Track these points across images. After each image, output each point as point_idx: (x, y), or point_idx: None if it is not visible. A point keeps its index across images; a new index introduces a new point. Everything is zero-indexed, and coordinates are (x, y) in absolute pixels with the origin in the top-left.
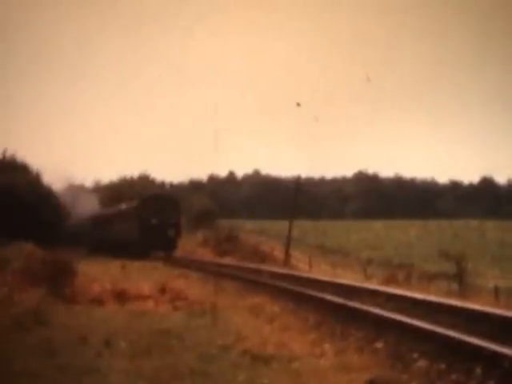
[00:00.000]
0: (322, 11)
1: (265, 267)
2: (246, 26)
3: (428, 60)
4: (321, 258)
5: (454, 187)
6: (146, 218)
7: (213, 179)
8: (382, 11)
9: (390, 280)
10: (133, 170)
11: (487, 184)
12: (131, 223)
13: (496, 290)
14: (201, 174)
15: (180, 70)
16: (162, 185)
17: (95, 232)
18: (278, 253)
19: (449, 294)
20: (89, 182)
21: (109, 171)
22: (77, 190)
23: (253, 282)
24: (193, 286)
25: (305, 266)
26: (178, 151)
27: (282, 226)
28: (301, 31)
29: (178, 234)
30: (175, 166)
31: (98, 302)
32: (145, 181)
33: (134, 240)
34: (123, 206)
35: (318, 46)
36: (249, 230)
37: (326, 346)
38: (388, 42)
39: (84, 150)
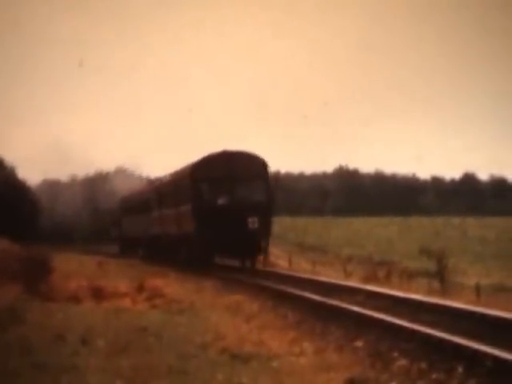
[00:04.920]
0: (318, 11)
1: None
2: (242, 24)
3: (411, 54)
4: (301, 256)
5: (436, 184)
6: (206, 195)
7: None
8: (383, 11)
9: (371, 277)
10: (109, 165)
11: (469, 180)
12: (181, 207)
13: (477, 288)
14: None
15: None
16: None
17: (122, 226)
18: None
19: (430, 291)
20: (64, 177)
21: (85, 165)
22: (53, 184)
23: (232, 280)
24: (171, 284)
25: (285, 263)
26: (162, 148)
27: None
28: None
29: (267, 225)
30: (155, 162)
31: (75, 299)
32: (121, 175)
33: (187, 237)
34: (167, 178)
35: (305, 46)
36: None
37: (306, 345)
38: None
39: (60, 144)
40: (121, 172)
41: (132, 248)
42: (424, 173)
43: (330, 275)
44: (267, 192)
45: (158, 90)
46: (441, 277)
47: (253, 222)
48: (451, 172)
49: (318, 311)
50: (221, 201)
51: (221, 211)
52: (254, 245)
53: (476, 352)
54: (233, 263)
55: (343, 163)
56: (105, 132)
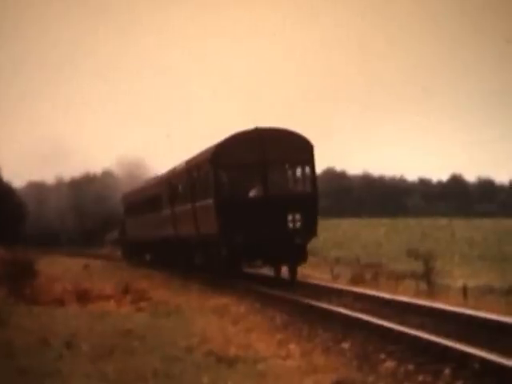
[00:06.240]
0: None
1: None
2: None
3: (401, 58)
4: None
5: (423, 185)
6: (233, 186)
7: None
8: (381, 11)
9: (358, 279)
10: (95, 167)
11: (456, 182)
12: (200, 202)
13: (464, 290)
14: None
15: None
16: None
17: (125, 227)
18: None
19: (417, 293)
20: (50, 179)
21: (71, 167)
22: (38, 186)
23: (218, 282)
24: (157, 287)
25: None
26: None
27: None
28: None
29: (311, 224)
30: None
31: (60, 302)
32: (108, 177)
33: (208, 240)
34: (180, 166)
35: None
36: None
37: (292, 347)
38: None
39: (46, 146)
40: (108, 174)
41: (137, 252)
42: (412, 175)
43: (317, 277)
44: (312, 181)
45: (157, 87)
46: (428, 278)
47: (293, 220)
48: (439, 173)
49: (306, 313)
50: (252, 193)
51: (252, 207)
52: (294, 249)
53: (463, 354)
54: (263, 271)
55: (331, 165)
56: (98, 131)
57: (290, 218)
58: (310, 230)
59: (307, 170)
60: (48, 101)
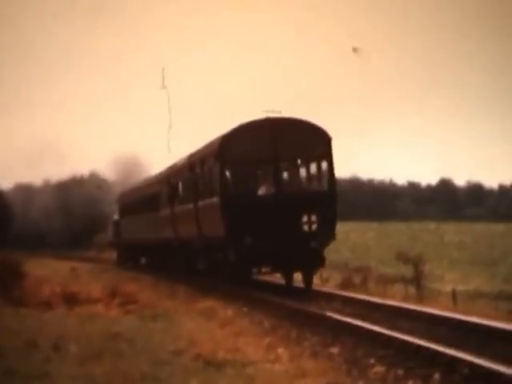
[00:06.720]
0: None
1: None
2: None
3: (393, 58)
4: None
5: (413, 189)
6: (241, 184)
7: None
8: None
9: (347, 283)
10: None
11: (446, 186)
12: (204, 201)
13: (454, 294)
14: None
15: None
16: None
17: (121, 229)
18: None
19: (406, 297)
20: (37, 181)
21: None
22: (25, 189)
23: (206, 285)
24: (144, 290)
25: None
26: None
27: None
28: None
29: (329, 226)
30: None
31: (47, 305)
32: (95, 179)
33: (212, 243)
34: (181, 162)
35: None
36: None
37: (281, 351)
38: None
39: (32, 148)
40: (95, 176)
41: (134, 256)
42: (401, 178)
43: None
44: (330, 178)
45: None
46: (417, 283)
47: (309, 222)
48: (428, 177)
49: (294, 317)
50: (262, 191)
51: (262, 206)
52: (310, 254)
53: (453, 359)
54: (273, 278)
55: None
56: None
57: (305, 219)
58: (327, 232)
59: (324, 165)
60: (40, 100)
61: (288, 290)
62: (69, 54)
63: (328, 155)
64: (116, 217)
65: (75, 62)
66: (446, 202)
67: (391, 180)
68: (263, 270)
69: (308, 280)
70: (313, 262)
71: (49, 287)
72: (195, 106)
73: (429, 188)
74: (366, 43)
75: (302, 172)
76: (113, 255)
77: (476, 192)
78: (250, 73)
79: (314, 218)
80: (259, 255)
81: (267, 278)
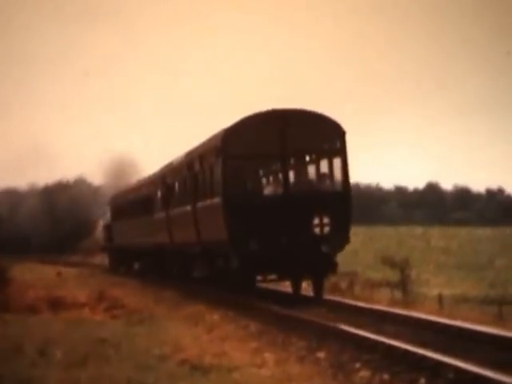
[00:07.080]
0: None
1: None
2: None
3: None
4: None
5: (399, 193)
6: (246, 182)
7: None
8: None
9: (333, 288)
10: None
11: (433, 190)
12: (204, 202)
13: (440, 299)
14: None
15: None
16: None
17: (113, 233)
18: None
19: (392, 302)
20: (23, 186)
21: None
22: (11, 193)
23: (192, 290)
24: (130, 295)
25: None
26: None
27: None
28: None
29: (342, 229)
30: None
31: (33, 309)
32: (81, 185)
33: (213, 248)
34: (178, 161)
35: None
36: None
37: (267, 356)
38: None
39: (18, 152)
40: (81, 181)
41: (126, 261)
42: (388, 182)
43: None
44: (344, 177)
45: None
46: (403, 287)
47: (320, 225)
48: (415, 181)
49: (281, 322)
50: (269, 191)
51: (269, 207)
52: (321, 259)
53: (439, 363)
54: (278, 286)
55: None
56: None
57: (316, 221)
58: (340, 236)
59: (337, 162)
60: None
61: (296, 299)
62: (64, 55)
63: (342, 151)
64: (108, 220)
65: (70, 63)
66: (433, 206)
67: (378, 184)
68: (269, 277)
69: (318, 288)
70: (324, 268)
71: (34, 292)
72: (194, 106)
73: (416, 192)
74: (365, 43)
75: (313, 169)
76: (100, 260)
77: (463, 196)
78: (249, 73)
79: (326, 220)
80: (265, 261)
81: (272, 285)
